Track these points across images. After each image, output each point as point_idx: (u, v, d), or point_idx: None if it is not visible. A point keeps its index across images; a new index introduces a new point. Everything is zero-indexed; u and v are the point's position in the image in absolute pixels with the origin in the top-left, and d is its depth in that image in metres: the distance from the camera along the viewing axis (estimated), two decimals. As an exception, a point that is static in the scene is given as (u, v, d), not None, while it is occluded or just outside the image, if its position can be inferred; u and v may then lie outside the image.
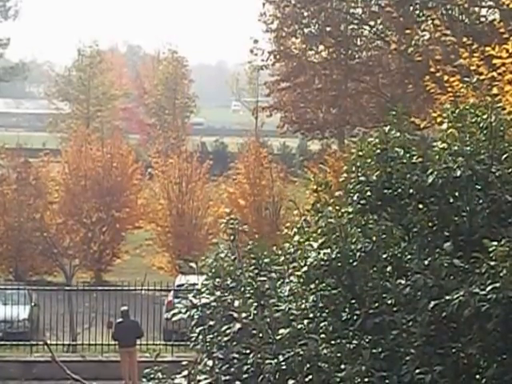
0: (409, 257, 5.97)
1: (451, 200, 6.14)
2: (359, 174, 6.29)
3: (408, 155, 6.27)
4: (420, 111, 20.20)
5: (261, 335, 5.84)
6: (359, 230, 6.01)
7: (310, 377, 5.55)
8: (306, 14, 29.36)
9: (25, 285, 22.01)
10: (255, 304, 6.07)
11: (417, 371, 5.53)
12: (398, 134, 6.40)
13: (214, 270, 6.45)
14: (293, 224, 6.76)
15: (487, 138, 6.30)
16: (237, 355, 6.01)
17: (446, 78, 13.07)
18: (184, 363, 6.67)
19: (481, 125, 6.37)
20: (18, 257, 27.38)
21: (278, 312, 5.92)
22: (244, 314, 6.02)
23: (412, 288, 5.70)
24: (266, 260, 6.46)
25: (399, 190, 6.21)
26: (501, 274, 5.40)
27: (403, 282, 5.78)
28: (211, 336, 6.20)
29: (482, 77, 11.41)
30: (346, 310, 5.93)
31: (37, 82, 77.05)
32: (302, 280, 6.07)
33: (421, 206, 6.20)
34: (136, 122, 52.93)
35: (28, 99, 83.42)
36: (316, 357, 5.55)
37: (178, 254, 27.19)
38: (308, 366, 5.55)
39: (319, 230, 6.06)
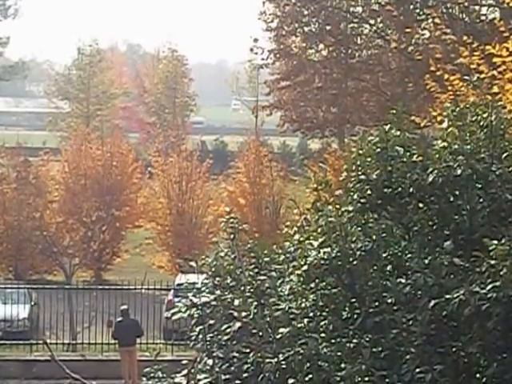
0: (409, 256, 5.96)
1: (451, 199, 6.13)
2: (359, 173, 6.29)
3: (408, 154, 6.27)
4: (420, 110, 20.16)
5: (261, 334, 5.84)
6: (359, 228, 6.00)
7: (310, 376, 5.54)
8: (306, 12, 29.35)
9: (25, 284, 22.01)
10: (255, 303, 6.06)
11: (417, 370, 5.53)
12: (398, 133, 6.40)
13: (213, 269, 6.44)
14: (293, 223, 6.75)
15: (487, 137, 6.30)
16: (237, 354, 6.01)
17: (446, 76, 13.06)
18: (184, 362, 6.67)
19: (481, 123, 6.36)
20: (17, 256, 27.38)
21: (278, 311, 5.92)
22: (244, 313, 6.01)
23: (412, 287, 5.69)
24: (266, 259, 6.46)
25: (399, 189, 6.20)
26: (501, 273, 5.39)
27: (403, 280, 5.78)
28: (211, 335, 6.19)
29: (482, 75, 11.39)
30: (346, 308, 5.92)
31: (37, 80, 77.05)
32: (302, 279, 6.07)
33: (421, 204, 6.20)
34: (136, 121, 52.93)
35: (28, 98, 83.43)
36: (316, 356, 5.55)
37: (177, 252, 27.19)
38: (308, 365, 5.55)
39: (319, 229, 6.06)
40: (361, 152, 6.37)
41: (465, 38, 14.28)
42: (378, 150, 6.30)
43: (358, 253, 5.86)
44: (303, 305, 6.01)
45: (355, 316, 5.86)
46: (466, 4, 25.04)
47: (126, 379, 15.84)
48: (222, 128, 69.87)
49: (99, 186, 28.52)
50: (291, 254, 6.43)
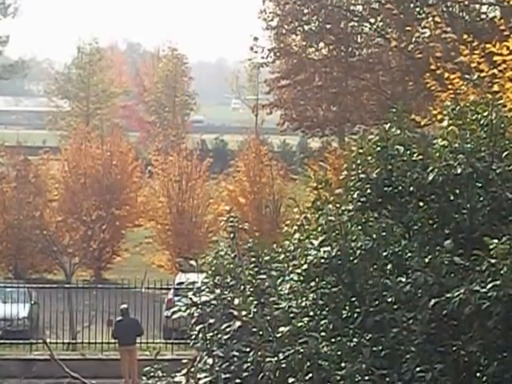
0: (409, 254, 5.96)
1: (452, 197, 6.12)
2: (359, 172, 6.28)
3: (408, 153, 6.26)
4: (420, 109, 20.15)
5: (261, 333, 5.83)
6: (359, 227, 6.00)
7: (311, 375, 5.53)
8: (306, 11, 29.32)
9: (24, 283, 21.98)
10: (255, 302, 6.06)
11: (417, 369, 5.52)
12: (399, 132, 6.38)
13: (213, 268, 6.44)
14: (293, 222, 6.74)
15: (488, 136, 6.28)
16: (237, 353, 6.00)
17: (446, 75, 13.05)
18: (184, 361, 6.66)
19: (481, 122, 6.35)
20: (17, 255, 27.36)
21: (278, 310, 5.91)
22: (244, 312, 6.00)
23: (412, 286, 5.69)
24: (266, 258, 6.45)
25: (399, 188, 6.19)
26: (501, 272, 5.38)
27: (403, 279, 5.77)
28: (211, 334, 6.18)
29: (482, 74, 11.38)
30: (347, 307, 5.91)
31: (36, 79, 77.02)
32: (302, 278, 6.06)
33: (421, 203, 6.19)
34: (136, 120, 52.91)
35: (27, 97, 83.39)
36: (316, 355, 5.54)
37: (177, 251, 27.18)
38: (308, 364, 5.54)
39: (319, 228, 6.05)
40: (361, 151, 6.36)
41: (465, 36, 14.28)
42: (379, 148, 6.29)
43: (358, 252, 5.85)
44: (303, 304, 6.00)
45: (355, 315, 5.85)
46: (466, 2, 25.01)
47: (126, 378, 15.83)
48: (221, 127, 69.84)
49: (99, 184, 28.50)
50: (291, 253, 6.42)
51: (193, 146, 35.63)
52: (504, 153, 6.25)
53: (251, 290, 6.14)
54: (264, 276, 6.23)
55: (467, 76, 11.26)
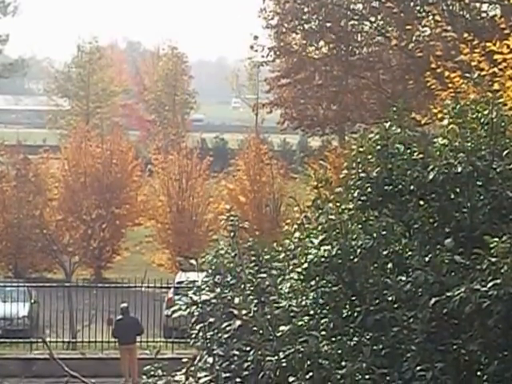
0: (410, 253, 5.95)
1: (452, 196, 6.12)
2: (360, 171, 6.27)
3: (409, 151, 6.25)
4: (421, 107, 20.13)
5: (261, 332, 5.82)
6: (360, 226, 5.99)
7: (311, 374, 5.53)
8: (306, 9, 29.30)
9: (24, 282, 21.99)
10: (255, 301, 6.05)
11: (418, 368, 5.52)
12: (399, 130, 6.38)
13: (214, 267, 6.43)
14: (293, 220, 6.74)
15: (488, 134, 6.28)
16: (237, 352, 6.00)
17: (446, 73, 13.04)
18: (184, 360, 6.65)
19: (482, 121, 6.34)
20: (17, 254, 27.36)
21: (278, 309, 5.90)
22: (244, 311, 6.00)
23: (413, 285, 5.68)
24: (266, 257, 6.44)
25: (400, 187, 6.19)
26: (502, 271, 5.38)
27: (404, 278, 5.76)
28: (211, 333, 6.18)
29: (483, 73, 11.36)
30: (347, 306, 5.91)
31: (36, 78, 77.04)
32: (302, 277, 6.05)
33: (422, 202, 6.18)
34: (136, 119, 52.89)
35: (27, 96, 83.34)
36: (316, 354, 5.53)
37: (178, 250, 27.17)
38: (308, 362, 5.54)
39: (320, 227, 6.04)
40: (361, 149, 6.35)
41: (465, 35, 14.27)
42: (379, 147, 6.28)
43: (359, 250, 5.84)
44: (303, 303, 5.99)
45: (356, 314, 5.84)
46: (467, 1, 24.99)
47: (126, 377, 15.83)
48: (222, 126, 69.82)
49: (99, 183, 28.49)
50: (291, 252, 6.41)
51: (193, 144, 35.65)
52: (504, 151, 6.24)
53: (251, 288, 6.13)
54: (264, 275, 6.22)
55: (467, 75, 11.23)
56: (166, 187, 28.26)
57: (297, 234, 6.38)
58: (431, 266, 5.70)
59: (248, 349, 5.90)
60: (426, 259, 5.77)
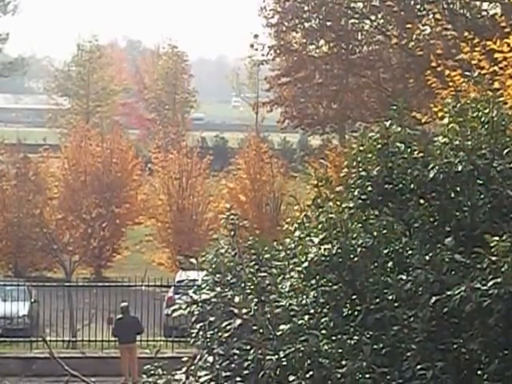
0: (410, 252, 5.94)
1: (452, 195, 6.11)
2: (360, 169, 6.26)
3: (409, 150, 6.24)
4: (421, 106, 20.12)
5: (261, 331, 5.82)
6: (360, 225, 5.98)
7: (311, 373, 5.52)
8: (306, 8, 29.30)
9: (24, 281, 21.97)
10: (256, 300, 6.04)
11: (418, 367, 5.51)
12: (399, 129, 6.37)
13: (214, 266, 6.42)
14: (293, 219, 6.73)
15: (489, 133, 6.27)
16: (237, 351, 5.99)
17: (447, 72, 13.03)
18: (184, 359, 6.65)
19: (482, 119, 6.33)
20: (17, 253, 27.35)
21: (278, 308, 5.90)
22: (244, 310, 5.99)
23: (413, 283, 5.67)
24: (266, 256, 6.44)
25: (400, 185, 6.18)
26: (502, 270, 5.37)
27: (404, 277, 5.76)
28: (211, 332, 6.17)
29: (483, 71, 11.34)
30: (347, 305, 5.90)
31: (36, 77, 77.03)
32: (302, 276, 6.05)
33: (422, 201, 6.17)
34: (136, 117, 52.87)
35: (27, 94, 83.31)
36: (317, 353, 5.53)
37: (178, 249, 27.17)
38: (309, 361, 5.53)
39: (320, 226, 6.03)
40: (361, 148, 6.34)
41: (466, 33, 14.25)
42: (379, 146, 6.27)
43: (359, 249, 5.84)
44: (304, 302, 5.99)
45: (356, 313, 5.84)
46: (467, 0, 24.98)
47: (126, 376, 15.82)
48: (222, 124, 69.81)
49: (99, 182, 28.48)
50: (292, 251, 6.41)
51: (193, 143, 35.63)
52: (505, 150, 6.23)
53: (251, 287, 6.12)
54: (264, 274, 6.22)
55: (468, 73, 11.22)
56: (166, 186, 28.25)
57: (297, 233, 6.37)
58: (431, 264, 5.69)
59: (248, 348, 5.89)
60: (427, 258, 5.76)
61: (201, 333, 6.24)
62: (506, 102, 7.56)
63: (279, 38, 29.97)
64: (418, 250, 5.91)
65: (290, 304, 5.94)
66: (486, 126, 6.30)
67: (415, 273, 5.68)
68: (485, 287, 5.36)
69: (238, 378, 5.94)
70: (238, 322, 5.98)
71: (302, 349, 5.52)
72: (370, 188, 6.22)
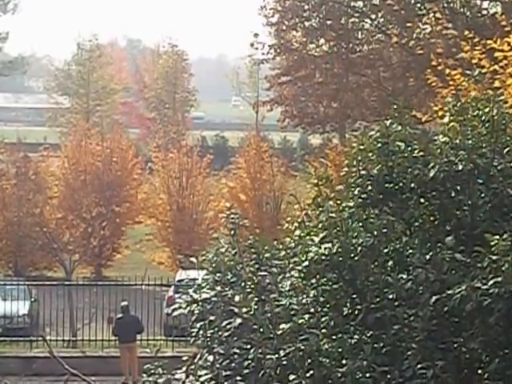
0: (410, 251, 5.94)
1: (453, 194, 6.10)
2: (360, 168, 6.25)
3: (409, 149, 6.23)
4: (421, 105, 20.15)
5: (261, 330, 5.81)
6: (360, 224, 5.98)
7: (311, 372, 5.52)
8: (306, 7, 29.29)
9: (24, 280, 21.98)
10: (256, 299, 6.04)
11: (418, 366, 5.51)
12: (400, 128, 6.36)
13: (214, 265, 6.42)
14: (294, 218, 6.72)
15: (489, 132, 6.26)
16: (237, 350, 5.99)
17: (447, 71, 13.02)
18: (184, 358, 6.65)
19: (483, 118, 6.33)
20: (17, 252, 27.35)
21: (278, 307, 5.90)
22: (244, 309, 5.99)
23: (413, 283, 5.67)
24: (266, 255, 6.43)
25: (400, 184, 6.17)
26: (503, 269, 5.37)
27: (405, 276, 5.75)
28: (212, 331, 6.17)
29: (483, 70, 11.34)
30: (347, 304, 5.90)
31: (36, 76, 76.99)
32: (302, 275, 6.04)
33: (422, 200, 6.17)
34: (136, 117, 52.84)
35: (27, 93, 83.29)
36: (317, 352, 5.52)
37: (178, 248, 27.17)
38: (309, 361, 5.53)
39: (320, 225, 6.03)
40: (362, 147, 6.33)
41: (466, 32, 14.24)
42: (379, 145, 6.26)
43: (359, 248, 5.83)
44: (304, 301, 5.98)
45: (356, 312, 5.83)
46: (467, -2, 24.96)
47: (127, 376, 15.82)
48: (222, 123, 69.79)
49: (99, 181, 28.47)
50: (292, 250, 6.40)
51: (193, 142, 35.63)
52: (505, 149, 6.22)
53: (252, 286, 6.12)
54: (265, 273, 6.21)
55: (468, 72, 11.22)
56: (166, 185, 28.25)
57: (297, 232, 6.37)
58: (432, 264, 5.68)
59: (248, 347, 5.89)
60: (427, 257, 5.76)
61: (201, 332, 6.24)
62: (507, 100, 7.55)
63: (279, 36, 29.96)
64: (419, 249, 5.90)
65: (291, 303, 5.94)
66: (487, 125, 6.30)
67: (415, 272, 5.67)
68: (485, 286, 5.35)
69: (238, 377, 5.94)
70: (238, 321, 5.98)
71: (303, 348, 5.52)
72: (370, 187, 6.21)
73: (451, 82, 12.67)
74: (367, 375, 5.48)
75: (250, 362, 5.86)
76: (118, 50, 71.76)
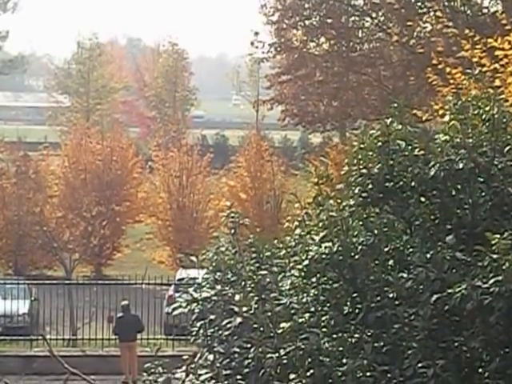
0: (411, 250, 5.93)
1: (453, 193, 6.09)
2: (361, 167, 6.24)
3: (410, 148, 6.22)
4: (422, 103, 20.11)
5: (262, 329, 5.81)
6: (361, 223, 5.97)
7: (312, 371, 5.52)
8: (306, 5, 29.28)
9: (24, 279, 21.96)
10: (256, 298, 6.04)
11: (419, 365, 5.50)
12: (400, 127, 6.35)
13: (214, 264, 6.41)
14: (294, 217, 6.72)
15: (490, 130, 6.25)
16: (238, 349, 5.98)
17: (448, 69, 13.02)
18: (184, 357, 6.64)
19: (483, 117, 6.32)
20: (17, 251, 27.35)
21: (279, 306, 5.89)
22: (245, 308, 5.98)
23: (414, 281, 5.66)
24: (266, 254, 6.43)
25: (401, 183, 6.16)
26: (503, 267, 5.36)
27: (405, 275, 5.74)
28: (212, 330, 6.16)
29: (484, 69, 11.32)
30: (348, 303, 5.89)
31: (36, 74, 76.99)
32: (303, 274, 6.04)
33: (423, 198, 6.16)
34: (136, 115, 52.84)
35: (27, 92, 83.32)
36: (317, 351, 5.52)
37: (178, 247, 27.16)
38: (309, 360, 5.52)
39: (320, 224, 6.02)
40: (362, 146, 6.32)
41: (467, 31, 14.25)
42: (380, 143, 6.25)
43: (360, 247, 5.83)
44: (304, 300, 5.98)
45: (357, 311, 5.82)
46: (468, -3, 24.94)
47: (127, 375, 15.82)
48: (222, 122, 69.79)
49: (99, 180, 28.47)
50: (292, 249, 6.40)
51: (193, 141, 35.58)
52: (506, 148, 6.21)
53: (252, 285, 6.11)
54: (265, 272, 6.21)
55: (469, 71, 11.20)
56: (166, 184, 28.24)
57: (297, 231, 6.36)
58: (432, 262, 5.68)
59: (249, 346, 5.89)
60: (428, 256, 5.75)
61: (201, 331, 6.23)
62: (507, 99, 7.54)
63: (279, 35, 29.95)
64: (419, 247, 5.90)
65: (291, 302, 5.93)
66: (487, 124, 6.29)
67: (416, 271, 5.67)
68: (486, 285, 5.34)
69: (239, 376, 5.93)
70: (239, 320, 5.97)
71: (303, 347, 5.51)
72: (370, 186, 6.20)
73: (452, 81, 12.66)
74: (368, 374, 5.48)
75: (250, 361, 5.85)
76: (118, 48, 71.71)
